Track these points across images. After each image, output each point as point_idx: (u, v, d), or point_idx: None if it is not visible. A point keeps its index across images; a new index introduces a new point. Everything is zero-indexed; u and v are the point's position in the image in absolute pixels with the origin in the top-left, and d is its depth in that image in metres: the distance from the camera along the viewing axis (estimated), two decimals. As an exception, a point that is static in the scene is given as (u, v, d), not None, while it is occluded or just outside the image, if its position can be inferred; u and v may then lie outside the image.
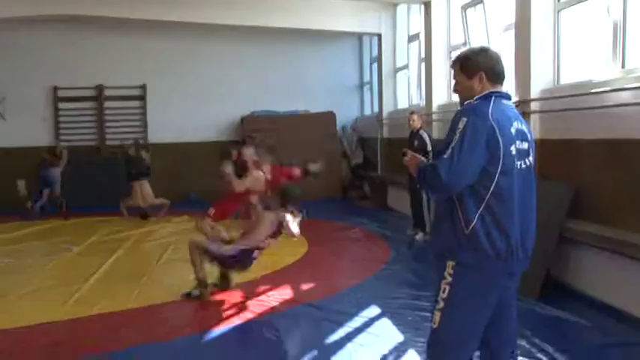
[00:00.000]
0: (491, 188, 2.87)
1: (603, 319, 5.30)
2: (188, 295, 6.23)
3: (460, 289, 2.93)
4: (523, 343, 4.61)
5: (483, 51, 3.14)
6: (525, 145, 3.01)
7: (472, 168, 2.84)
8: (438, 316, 2.98)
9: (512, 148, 2.91)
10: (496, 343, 3.12)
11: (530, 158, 3.05)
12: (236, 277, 6.57)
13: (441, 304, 2.97)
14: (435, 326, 3.00)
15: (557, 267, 6.19)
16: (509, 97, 3.11)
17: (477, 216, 2.88)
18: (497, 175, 2.87)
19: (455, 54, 6.60)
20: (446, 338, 2.98)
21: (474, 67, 3.04)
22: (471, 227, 2.88)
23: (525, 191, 2.99)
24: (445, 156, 2.86)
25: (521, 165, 2.97)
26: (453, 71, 3.17)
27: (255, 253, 6.27)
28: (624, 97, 5.41)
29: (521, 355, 4.42)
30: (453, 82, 3.19)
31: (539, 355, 4.50)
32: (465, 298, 2.94)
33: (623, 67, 5.74)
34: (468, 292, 2.93)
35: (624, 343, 4.83)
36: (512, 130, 2.93)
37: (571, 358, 4.47)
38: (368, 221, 10.89)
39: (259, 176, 7.22)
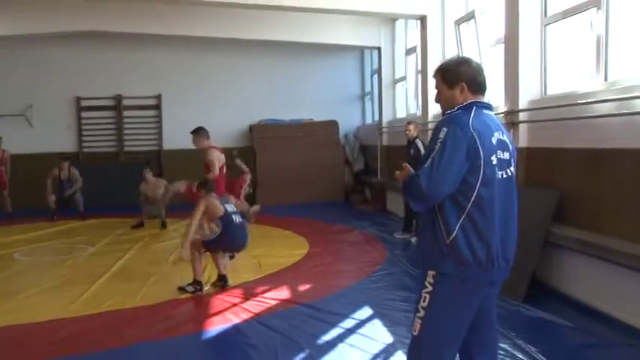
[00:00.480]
0: (472, 198, 2.70)
1: (585, 321, 5.12)
2: (183, 289, 6.21)
3: (440, 298, 2.76)
4: (506, 344, 4.44)
5: (465, 62, 2.96)
6: (507, 155, 2.83)
7: (452, 177, 2.67)
8: (418, 323, 2.81)
9: (493, 158, 2.74)
10: (476, 350, 2.95)
11: (512, 168, 2.88)
12: (236, 279, 6.49)
13: (421, 313, 2.80)
14: (415, 333, 2.83)
15: (542, 270, 6.01)
16: (490, 107, 2.94)
17: (458, 226, 2.71)
18: (478, 186, 2.70)
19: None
20: (425, 345, 2.81)
21: (456, 78, 2.88)
22: (452, 237, 2.71)
23: (507, 200, 2.82)
24: (426, 166, 2.70)
25: (502, 175, 2.79)
26: (435, 81, 3.00)
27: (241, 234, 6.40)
28: (607, 108, 5.28)
29: (505, 356, 4.26)
30: (435, 91, 3.02)
31: (521, 356, 4.31)
32: (445, 306, 2.77)
33: (605, 79, 5.59)
34: (447, 301, 2.77)
35: (605, 344, 4.66)
36: (493, 140, 2.76)
37: (553, 358, 4.29)
38: (367, 224, 10.71)
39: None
